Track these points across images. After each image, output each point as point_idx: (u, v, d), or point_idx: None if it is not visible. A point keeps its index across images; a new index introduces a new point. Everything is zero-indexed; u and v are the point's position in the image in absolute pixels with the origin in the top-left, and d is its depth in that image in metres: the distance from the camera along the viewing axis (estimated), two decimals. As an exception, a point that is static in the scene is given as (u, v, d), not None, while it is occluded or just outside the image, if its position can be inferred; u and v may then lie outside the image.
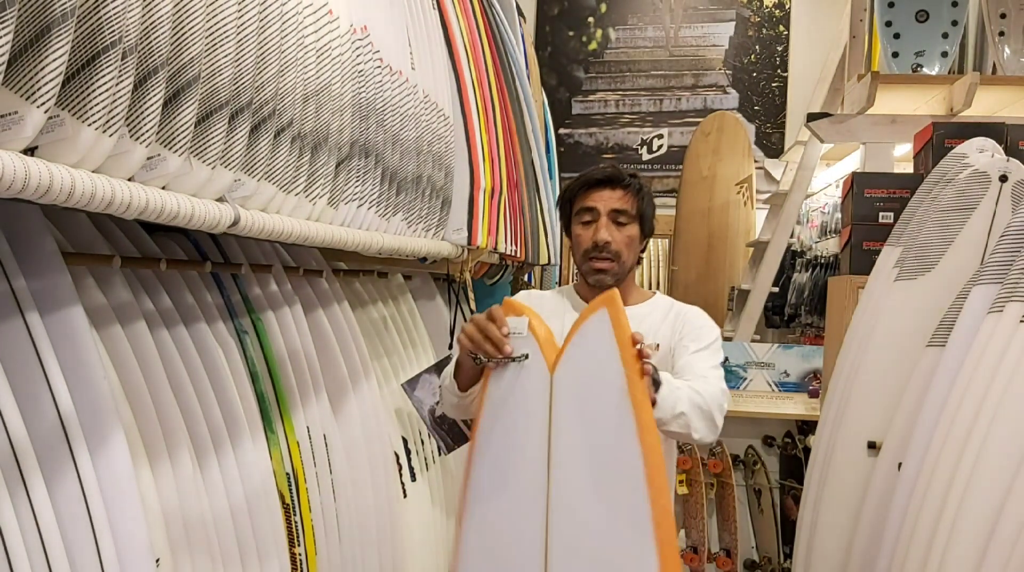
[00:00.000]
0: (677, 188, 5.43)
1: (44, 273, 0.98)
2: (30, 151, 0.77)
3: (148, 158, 0.91)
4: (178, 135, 0.93)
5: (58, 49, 0.74)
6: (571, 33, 5.89)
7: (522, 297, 1.76)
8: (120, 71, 0.82)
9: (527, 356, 1.38)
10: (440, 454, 2.03)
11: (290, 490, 1.33)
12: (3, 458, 0.87)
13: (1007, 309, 1.52)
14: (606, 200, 1.67)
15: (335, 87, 1.31)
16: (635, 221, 1.68)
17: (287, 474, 1.33)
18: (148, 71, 0.87)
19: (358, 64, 1.41)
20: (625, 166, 1.85)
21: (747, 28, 5.76)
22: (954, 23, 3.14)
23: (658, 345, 1.61)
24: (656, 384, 1.39)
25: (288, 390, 1.41)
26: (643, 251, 1.76)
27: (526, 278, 3.37)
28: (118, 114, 0.83)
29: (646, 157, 5.81)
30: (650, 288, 2.22)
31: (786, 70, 5.75)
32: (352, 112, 1.39)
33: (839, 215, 3.54)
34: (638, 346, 1.33)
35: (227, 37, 0.98)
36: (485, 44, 2.45)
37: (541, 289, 2.83)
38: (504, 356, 1.38)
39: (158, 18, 0.86)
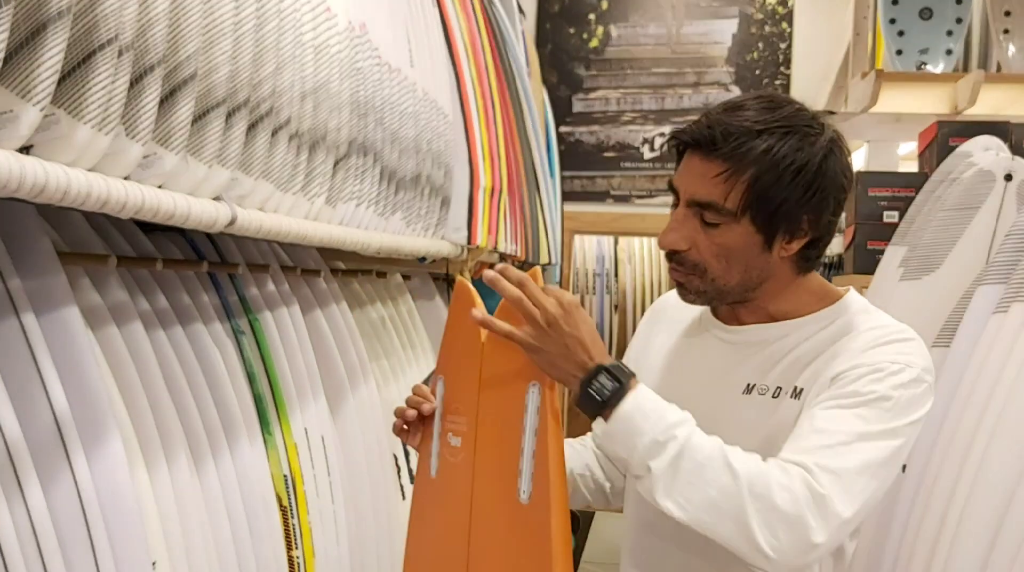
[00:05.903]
0: (679, 186, 5.41)
1: (39, 273, 0.97)
2: (25, 150, 0.76)
3: (144, 157, 0.90)
4: (174, 133, 0.92)
5: (54, 47, 0.73)
6: (572, 30, 5.87)
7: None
8: (116, 69, 0.81)
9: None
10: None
11: (287, 492, 1.32)
12: (-3, 461, 0.86)
13: (1012, 309, 1.51)
14: (688, 180, 1.03)
15: (333, 85, 1.30)
16: (733, 220, 1.01)
17: (284, 476, 1.32)
18: (144, 69, 0.86)
19: (356, 62, 1.40)
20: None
21: (750, 25, 5.73)
22: (958, 20, 3.12)
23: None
24: (599, 389, 0.98)
25: (286, 391, 1.40)
26: (811, 263, 1.10)
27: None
28: (114, 112, 0.82)
29: (648, 155, 5.79)
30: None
31: (789, 68, 5.72)
32: (350, 110, 1.38)
33: (843, 214, 3.53)
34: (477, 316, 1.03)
35: (224, 34, 0.97)
36: (485, 41, 2.44)
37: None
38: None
39: (154, 15, 0.85)
